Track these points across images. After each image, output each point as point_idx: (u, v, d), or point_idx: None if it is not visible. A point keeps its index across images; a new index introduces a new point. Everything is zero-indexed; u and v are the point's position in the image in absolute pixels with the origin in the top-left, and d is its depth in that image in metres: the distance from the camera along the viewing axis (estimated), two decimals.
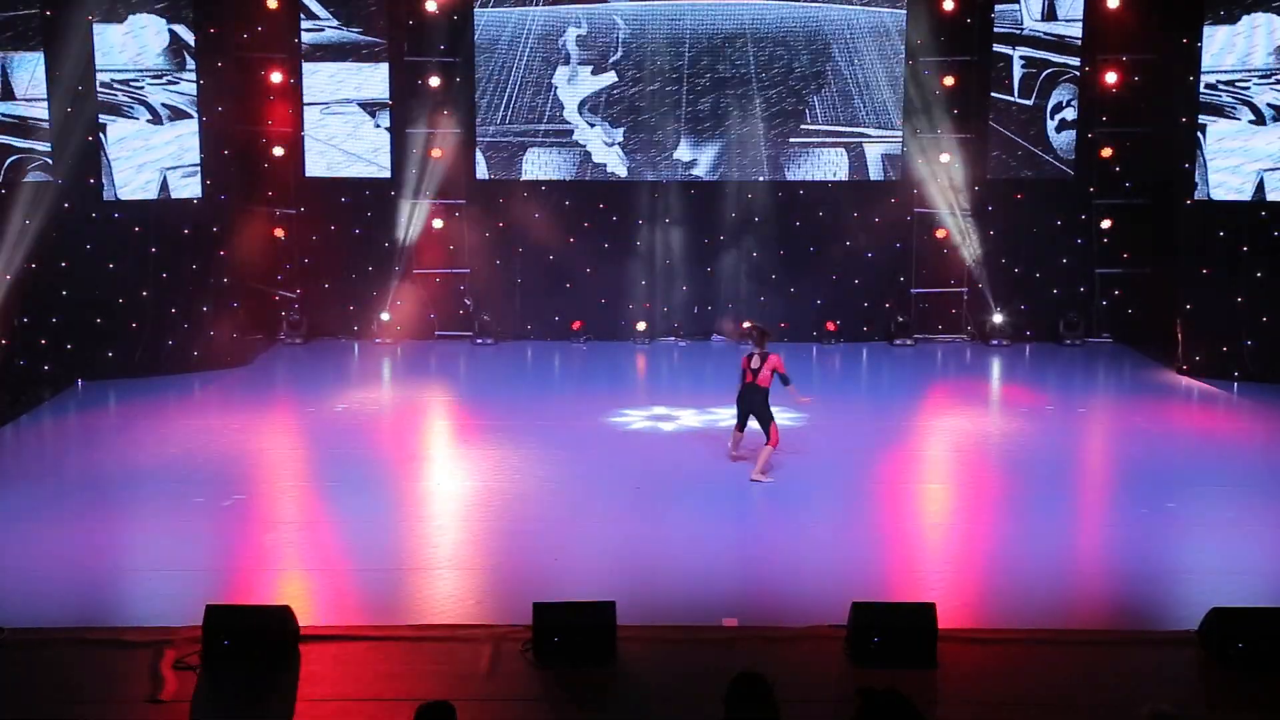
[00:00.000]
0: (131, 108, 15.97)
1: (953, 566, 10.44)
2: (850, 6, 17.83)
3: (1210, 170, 16.13)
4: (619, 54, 17.93)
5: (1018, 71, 17.91)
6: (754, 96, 17.89)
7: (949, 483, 12.74)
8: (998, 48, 17.87)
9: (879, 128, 18.05)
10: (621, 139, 18.10)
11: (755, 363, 12.44)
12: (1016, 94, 17.93)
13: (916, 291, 18.56)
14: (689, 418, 14.59)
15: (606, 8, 17.86)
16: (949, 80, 17.95)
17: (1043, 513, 11.47)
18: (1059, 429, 14.61)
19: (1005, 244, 18.35)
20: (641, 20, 17.89)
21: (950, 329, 18.70)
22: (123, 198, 16.02)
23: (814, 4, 17.88)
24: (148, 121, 16.06)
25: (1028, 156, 18.05)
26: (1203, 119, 16.14)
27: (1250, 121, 16.05)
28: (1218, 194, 16.15)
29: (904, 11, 17.85)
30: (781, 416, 12.65)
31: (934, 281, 18.59)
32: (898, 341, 18.34)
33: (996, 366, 17.52)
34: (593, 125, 18.06)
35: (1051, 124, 17.96)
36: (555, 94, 18.03)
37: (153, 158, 16.11)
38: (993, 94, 17.94)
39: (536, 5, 17.89)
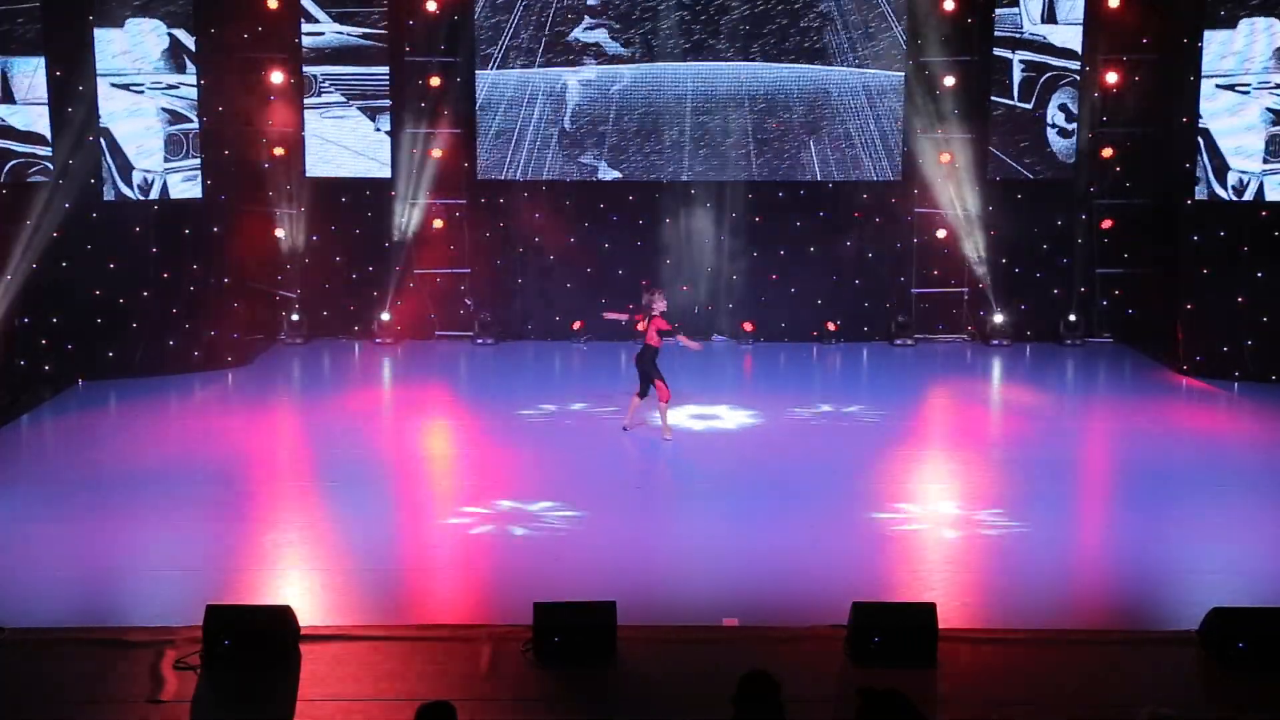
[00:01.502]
0: (132, 111, 15.95)
1: (953, 566, 10.44)
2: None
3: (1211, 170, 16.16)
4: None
5: (1017, 75, 17.90)
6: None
7: (949, 482, 12.74)
8: (997, 51, 17.85)
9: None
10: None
11: (644, 325, 13.47)
12: (1016, 97, 17.92)
13: (917, 291, 18.56)
14: (689, 417, 14.59)
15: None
16: (949, 81, 17.94)
17: (1043, 513, 11.47)
18: (1059, 429, 14.61)
19: (1005, 244, 18.34)
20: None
21: (951, 329, 18.70)
22: (123, 198, 16.02)
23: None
24: (146, 126, 16.05)
25: (1028, 158, 18.04)
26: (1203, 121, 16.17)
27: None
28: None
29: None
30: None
31: (934, 281, 18.59)
32: (898, 341, 18.34)
33: (997, 367, 17.52)
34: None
35: (1051, 129, 17.95)
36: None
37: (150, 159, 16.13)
38: (993, 97, 17.93)
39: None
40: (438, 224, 18.47)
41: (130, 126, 15.93)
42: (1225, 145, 16.12)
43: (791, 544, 10.77)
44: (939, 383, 17.01)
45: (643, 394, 13.71)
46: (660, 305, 13.61)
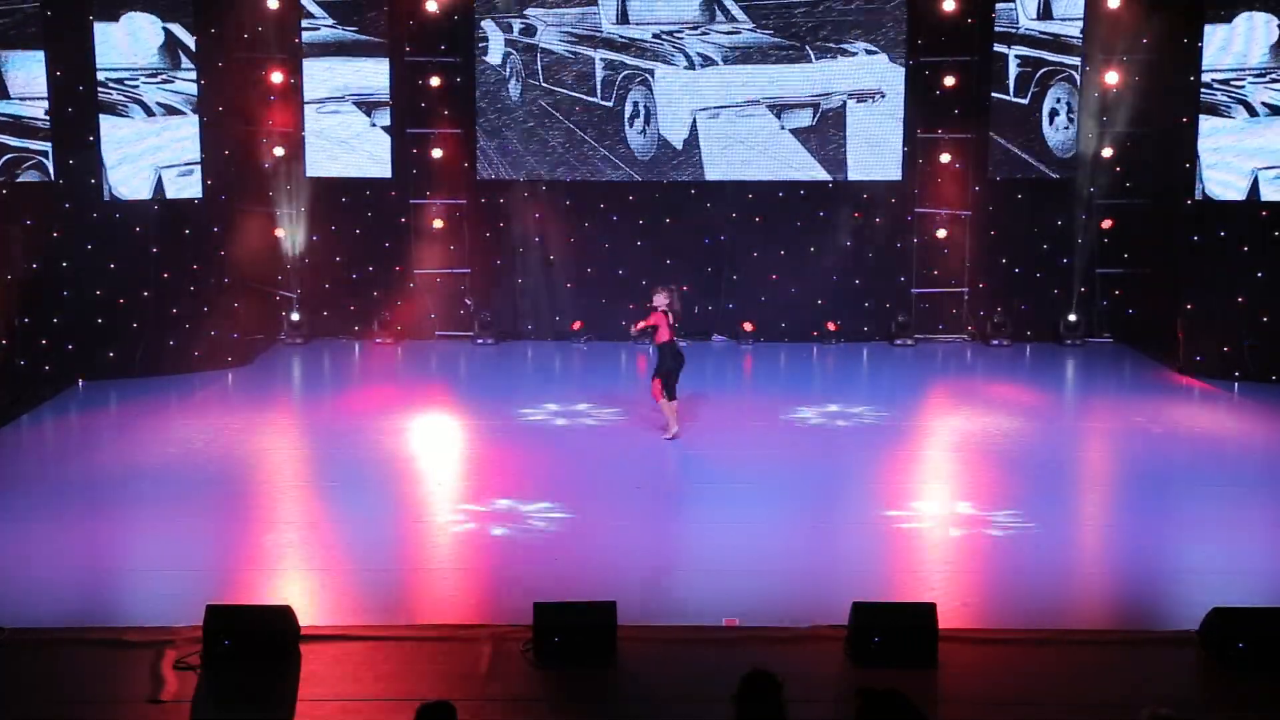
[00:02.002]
0: (127, 107, 15.96)
1: (953, 566, 10.44)
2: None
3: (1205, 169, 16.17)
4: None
5: (1013, 71, 17.91)
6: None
7: (949, 482, 12.74)
8: (996, 47, 17.84)
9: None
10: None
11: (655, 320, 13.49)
12: (1012, 93, 17.93)
13: (917, 291, 18.56)
14: (690, 417, 14.58)
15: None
16: (949, 80, 17.93)
17: (1043, 513, 11.47)
18: (1059, 429, 14.60)
19: (1005, 244, 18.34)
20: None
21: (951, 329, 18.70)
22: (121, 198, 16.00)
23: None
24: (143, 120, 16.05)
25: (1027, 157, 18.04)
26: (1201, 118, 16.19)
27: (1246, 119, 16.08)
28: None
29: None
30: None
31: (934, 281, 18.59)
32: (898, 341, 18.34)
33: (997, 367, 17.51)
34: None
35: (1048, 124, 17.96)
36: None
37: (148, 158, 16.09)
38: (993, 94, 17.92)
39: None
40: (438, 224, 18.47)
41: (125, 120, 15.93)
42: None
43: (791, 544, 10.78)
44: (939, 383, 17.02)
45: (670, 395, 13.52)
46: (660, 300, 13.41)
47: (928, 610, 8.58)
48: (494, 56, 18.08)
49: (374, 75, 18.05)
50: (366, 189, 18.36)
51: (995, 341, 18.26)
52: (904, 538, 11.08)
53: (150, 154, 16.03)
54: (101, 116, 15.74)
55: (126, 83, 15.90)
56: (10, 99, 15.14)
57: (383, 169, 18.25)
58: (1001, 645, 8.69)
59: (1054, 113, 17.95)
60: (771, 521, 11.29)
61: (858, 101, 18.00)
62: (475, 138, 18.27)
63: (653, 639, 8.71)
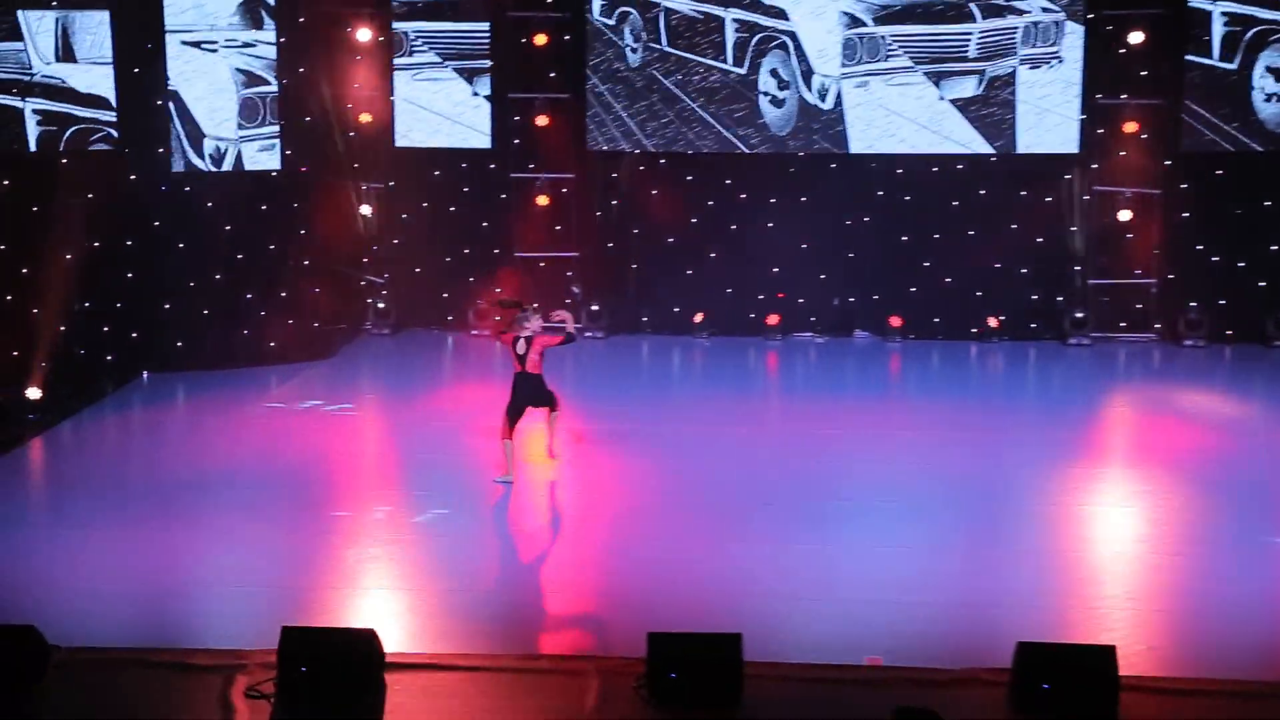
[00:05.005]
0: (203, 72, 16.27)
1: (1137, 603, 10.24)
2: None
3: None
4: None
5: (1218, 30, 17.48)
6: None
7: (1132, 506, 12.50)
8: (1194, 3, 17.47)
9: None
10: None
11: (521, 347, 12.45)
12: (1216, 57, 17.50)
13: (1095, 283, 18.26)
14: (827, 426, 14.50)
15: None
16: (1136, 38, 17.59)
17: (1247, 545, 11.19)
18: (1267, 446, 14.23)
19: (1201, 228, 17.95)
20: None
21: (1135, 326, 18.36)
22: (193, 169, 16.34)
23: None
24: (219, 88, 16.36)
25: (1230, 128, 17.61)
26: None
27: None
28: None
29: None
30: None
31: (1116, 271, 18.27)
32: (1072, 340, 18.08)
33: (1190, 371, 17.17)
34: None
35: (1258, 91, 17.52)
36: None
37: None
38: (1189, 56, 17.54)
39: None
40: (542, 201, 18.60)
41: (202, 89, 16.23)
42: None
43: (947, 572, 10.67)
44: (1121, 389, 16.77)
45: (512, 433, 12.57)
46: (536, 325, 12.67)
47: (1106, 654, 8.44)
48: (609, 15, 18.13)
49: (472, 32, 18.19)
50: (462, 161, 18.55)
51: (1188, 342, 17.95)
52: (1079, 568, 10.91)
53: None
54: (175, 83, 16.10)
55: (203, 45, 16.20)
56: (77, 63, 15.53)
57: (481, 139, 18.42)
58: (1194, 697, 8.50)
59: (1265, 81, 17.46)
60: (923, 546, 11.19)
61: (1031, 67, 17.72)
62: (585, 104, 18.36)
63: (784, 677, 8.66)
